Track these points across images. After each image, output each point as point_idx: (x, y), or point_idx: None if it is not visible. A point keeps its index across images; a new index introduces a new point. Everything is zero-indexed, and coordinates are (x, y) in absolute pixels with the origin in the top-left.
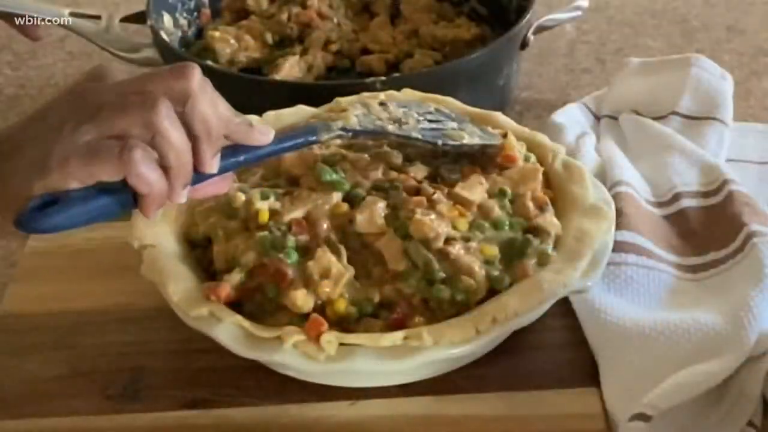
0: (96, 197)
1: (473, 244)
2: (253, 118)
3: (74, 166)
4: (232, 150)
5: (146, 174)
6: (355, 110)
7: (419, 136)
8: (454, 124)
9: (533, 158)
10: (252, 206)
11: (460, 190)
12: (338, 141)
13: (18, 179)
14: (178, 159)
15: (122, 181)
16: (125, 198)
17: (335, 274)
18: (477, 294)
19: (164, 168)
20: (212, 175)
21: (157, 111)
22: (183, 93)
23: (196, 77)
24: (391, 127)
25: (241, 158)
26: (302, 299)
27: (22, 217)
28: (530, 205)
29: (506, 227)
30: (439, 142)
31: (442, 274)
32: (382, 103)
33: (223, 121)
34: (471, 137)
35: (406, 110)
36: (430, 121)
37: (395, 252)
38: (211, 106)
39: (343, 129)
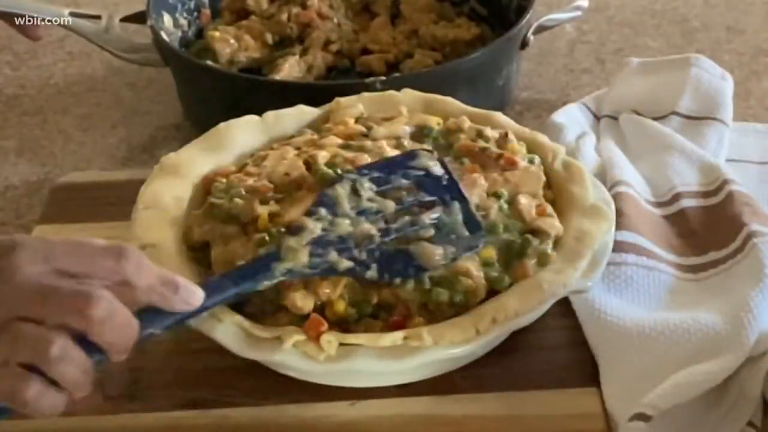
0: None
1: None
2: (248, 118)
3: None
4: (152, 314)
5: (41, 407)
6: (319, 218)
7: (374, 276)
8: (435, 215)
9: (537, 160)
10: (253, 211)
11: None
12: (337, 141)
13: None
14: (76, 386)
15: None
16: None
17: (336, 276)
18: (476, 296)
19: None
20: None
21: (50, 351)
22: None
23: (96, 307)
24: (344, 265)
25: (157, 330)
26: (301, 300)
27: None
28: (528, 208)
29: (500, 231)
30: (397, 281)
31: (430, 282)
32: (354, 188)
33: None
34: (450, 245)
35: (379, 201)
36: (403, 213)
37: None
38: (120, 324)
39: (289, 272)
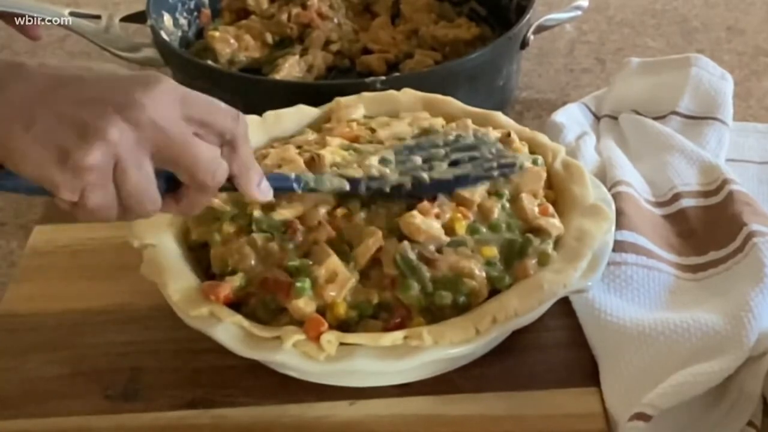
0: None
1: (470, 248)
2: (248, 118)
3: (34, 163)
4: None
5: (95, 210)
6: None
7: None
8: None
9: (540, 160)
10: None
11: (460, 189)
12: (341, 141)
13: None
14: (137, 201)
15: None
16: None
17: (341, 279)
18: (479, 296)
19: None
20: None
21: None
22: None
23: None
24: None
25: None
26: (304, 305)
27: None
28: (530, 206)
29: (503, 230)
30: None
31: (430, 284)
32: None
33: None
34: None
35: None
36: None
37: (392, 256)
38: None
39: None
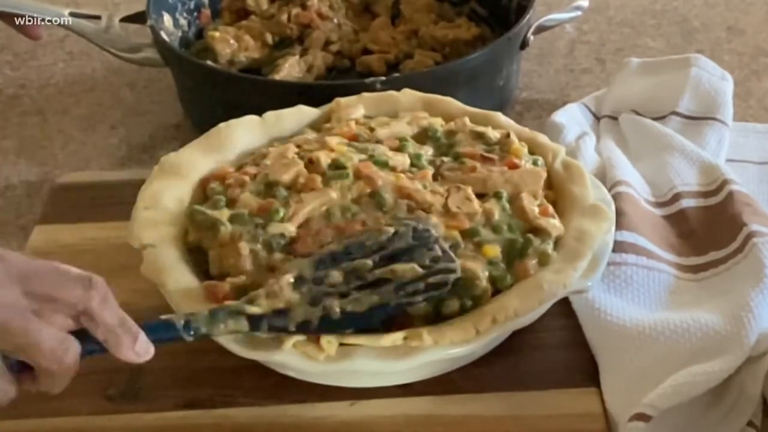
0: None
1: (469, 249)
2: (248, 118)
3: None
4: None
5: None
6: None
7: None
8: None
9: (540, 161)
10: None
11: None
12: (337, 140)
13: None
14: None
15: None
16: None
17: None
18: (485, 299)
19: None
20: None
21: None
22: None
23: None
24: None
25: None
26: None
27: None
28: (530, 207)
29: (504, 230)
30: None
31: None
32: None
33: None
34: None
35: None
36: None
37: None
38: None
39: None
